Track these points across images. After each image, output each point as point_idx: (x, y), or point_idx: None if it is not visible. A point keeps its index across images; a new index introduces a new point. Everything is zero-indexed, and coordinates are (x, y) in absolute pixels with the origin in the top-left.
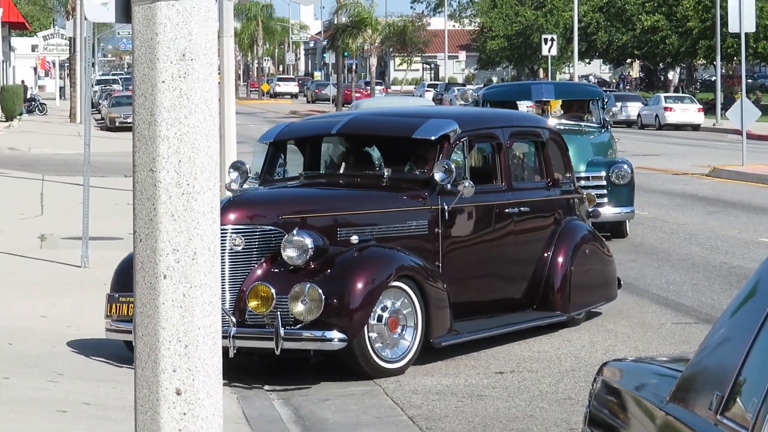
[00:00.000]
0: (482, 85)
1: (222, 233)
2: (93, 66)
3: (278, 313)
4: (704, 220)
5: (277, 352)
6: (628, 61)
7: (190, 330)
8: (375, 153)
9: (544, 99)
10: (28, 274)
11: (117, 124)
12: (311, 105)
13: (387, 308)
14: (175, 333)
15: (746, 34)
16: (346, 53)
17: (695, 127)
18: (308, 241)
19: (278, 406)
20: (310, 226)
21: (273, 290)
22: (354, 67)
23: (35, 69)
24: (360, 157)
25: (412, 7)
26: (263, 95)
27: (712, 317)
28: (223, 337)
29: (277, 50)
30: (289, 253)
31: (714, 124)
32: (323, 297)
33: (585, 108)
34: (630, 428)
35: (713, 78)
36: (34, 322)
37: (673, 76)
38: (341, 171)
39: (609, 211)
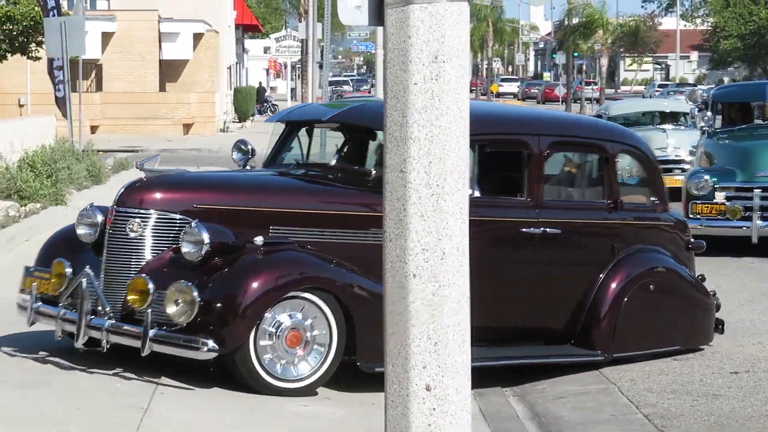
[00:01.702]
0: (713, 86)
1: (123, 216)
2: (321, 67)
3: (149, 311)
4: None
5: (143, 354)
6: None
7: (439, 328)
8: (368, 146)
9: None
10: None
11: None
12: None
13: (287, 321)
14: (425, 330)
15: None
16: (576, 54)
17: None
18: (205, 236)
19: (514, 403)
20: (226, 218)
21: (151, 285)
22: (583, 67)
23: (267, 70)
24: (348, 149)
25: (643, 7)
26: (491, 95)
27: None
28: (97, 329)
29: (506, 51)
30: (184, 248)
31: None
32: (197, 299)
33: None
34: None
35: None
36: None
37: None
38: (320, 161)
39: None
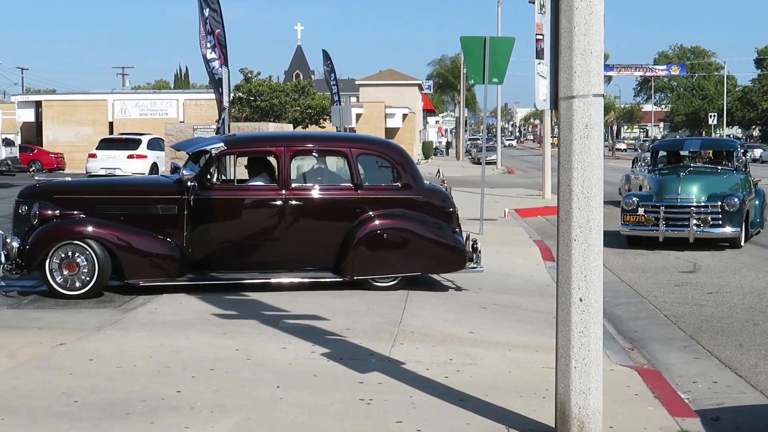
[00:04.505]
0: None
1: (18, 203)
2: (466, 131)
3: (2, 252)
4: None
5: (1, 275)
6: None
7: (586, 267)
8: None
9: None
10: None
11: (478, 160)
12: None
13: (66, 257)
14: (579, 268)
15: None
16: None
17: None
18: (37, 212)
19: None
20: (72, 203)
21: (8, 239)
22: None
23: (437, 133)
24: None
25: (634, 98)
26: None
27: None
28: None
29: None
30: (32, 218)
31: None
32: (15, 246)
33: None
34: None
35: None
36: None
37: None
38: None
39: (728, 230)
